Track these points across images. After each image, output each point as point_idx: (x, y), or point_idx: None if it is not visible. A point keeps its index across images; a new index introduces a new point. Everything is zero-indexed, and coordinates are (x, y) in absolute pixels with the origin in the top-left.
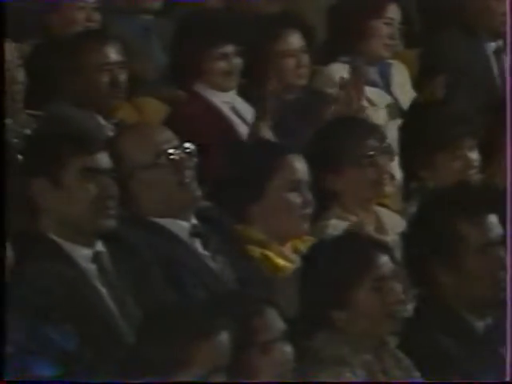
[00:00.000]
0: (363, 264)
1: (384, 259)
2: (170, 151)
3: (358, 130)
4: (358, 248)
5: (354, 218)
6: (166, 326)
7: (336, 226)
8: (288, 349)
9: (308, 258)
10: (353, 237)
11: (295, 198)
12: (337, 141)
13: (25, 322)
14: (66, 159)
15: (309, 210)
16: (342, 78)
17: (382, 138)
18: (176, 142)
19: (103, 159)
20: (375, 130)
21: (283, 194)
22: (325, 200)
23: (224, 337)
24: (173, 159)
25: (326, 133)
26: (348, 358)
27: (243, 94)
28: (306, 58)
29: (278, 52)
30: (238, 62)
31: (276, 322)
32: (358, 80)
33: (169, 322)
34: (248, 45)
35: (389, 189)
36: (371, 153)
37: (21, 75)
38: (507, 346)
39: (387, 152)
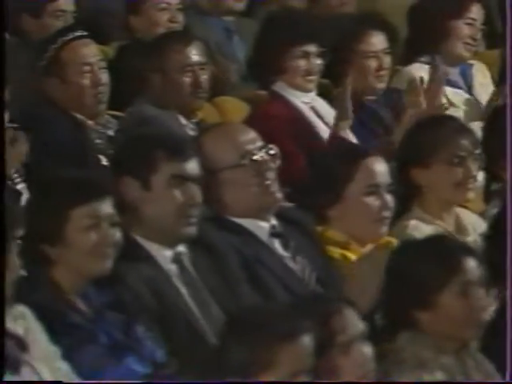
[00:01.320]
0: (451, 267)
1: (472, 263)
2: (254, 152)
3: (453, 128)
4: (446, 250)
5: (434, 220)
6: (249, 327)
7: (416, 226)
8: (368, 349)
9: (392, 259)
10: (440, 239)
11: (373, 201)
12: (431, 136)
13: (121, 318)
14: (159, 164)
15: (387, 214)
16: (422, 78)
17: (475, 143)
18: (260, 143)
19: (193, 166)
20: (470, 134)
21: (361, 198)
22: (406, 200)
23: (307, 339)
24: (256, 160)
25: (420, 128)
26: (428, 359)
27: (323, 94)
28: (387, 60)
29: (360, 52)
30: (318, 62)
31: (355, 322)
32: (437, 80)
33: (252, 323)
34: (329, 45)
35: (471, 195)
36: (463, 154)
37: (104, 77)
38: (507, 346)
39: (478, 159)
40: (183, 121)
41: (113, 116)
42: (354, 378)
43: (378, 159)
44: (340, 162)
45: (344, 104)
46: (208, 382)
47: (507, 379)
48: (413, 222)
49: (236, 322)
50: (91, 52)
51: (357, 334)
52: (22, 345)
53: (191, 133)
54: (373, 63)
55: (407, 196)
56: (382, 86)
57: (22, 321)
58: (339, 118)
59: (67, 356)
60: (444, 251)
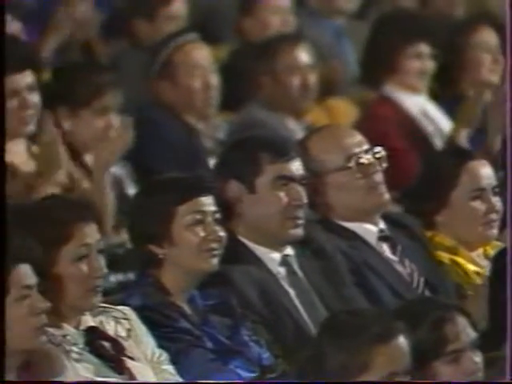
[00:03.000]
0: None
1: None
2: (360, 155)
3: None
4: None
5: None
6: (346, 330)
7: None
8: (477, 358)
9: (497, 264)
10: None
11: (479, 205)
12: None
13: (227, 322)
14: (264, 166)
15: (495, 216)
16: None
17: None
18: (366, 146)
19: (297, 167)
20: None
21: (467, 203)
22: None
23: (402, 340)
24: (363, 163)
25: None
26: None
27: (434, 97)
28: (500, 57)
29: (473, 46)
30: (431, 63)
31: (467, 330)
32: None
33: (348, 326)
34: (442, 44)
35: None
36: None
37: (215, 79)
38: (507, 345)
39: None
40: (292, 123)
41: (223, 119)
42: None
43: (483, 162)
44: (445, 166)
45: (471, 113)
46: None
47: (507, 379)
48: None
49: (333, 324)
50: (202, 55)
51: (468, 343)
52: (118, 346)
53: (300, 135)
54: (486, 58)
55: None
56: (495, 80)
57: (126, 323)
58: (461, 125)
59: (174, 360)
60: None
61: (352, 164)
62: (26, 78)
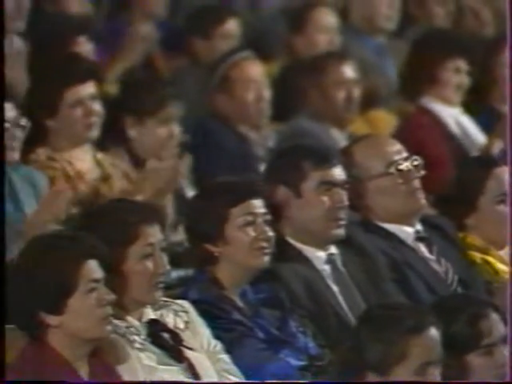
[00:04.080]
0: None
1: None
2: (400, 162)
3: None
4: None
5: None
6: (382, 323)
7: None
8: (506, 352)
9: None
10: None
11: (504, 208)
12: None
13: (276, 314)
14: (308, 173)
15: None
16: None
17: None
18: (405, 154)
19: (338, 173)
20: None
21: (494, 207)
22: None
23: (434, 332)
24: (402, 169)
25: None
26: None
27: (467, 110)
28: None
29: (503, 64)
30: (466, 78)
31: (499, 325)
32: None
33: (384, 319)
34: (476, 61)
35: None
36: None
37: (267, 93)
38: (507, 345)
39: None
40: (336, 133)
41: (273, 129)
42: (490, 379)
43: (506, 169)
44: (473, 173)
45: (500, 121)
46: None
47: (507, 379)
48: None
49: (370, 317)
50: (256, 70)
51: (500, 337)
52: (177, 338)
53: (344, 144)
54: None
55: None
56: None
57: (184, 315)
58: (496, 137)
59: (229, 350)
60: None
61: (393, 170)
62: (89, 88)
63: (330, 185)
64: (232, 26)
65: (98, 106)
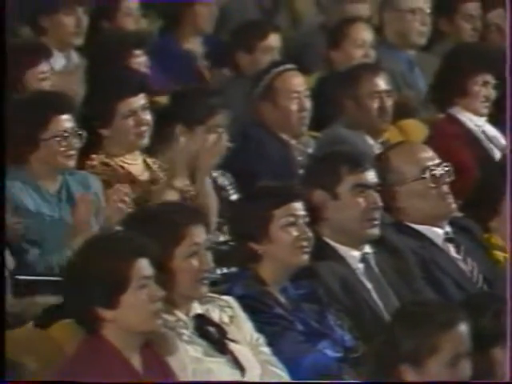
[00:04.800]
0: None
1: None
2: (433, 168)
3: None
4: None
5: None
6: (416, 318)
7: None
8: None
9: None
10: None
11: None
12: None
13: (315, 309)
14: (344, 176)
15: None
16: None
17: None
18: (437, 160)
19: (372, 176)
20: None
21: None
22: None
23: (464, 327)
24: (435, 174)
25: None
26: None
27: (492, 121)
28: None
29: None
30: (493, 92)
31: None
32: None
33: (418, 314)
34: (501, 75)
35: None
36: None
37: (308, 103)
38: (507, 345)
39: None
40: (371, 141)
41: (312, 136)
42: None
43: None
44: (495, 179)
45: None
46: None
47: (507, 379)
48: None
49: (404, 313)
50: (299, 82)
51: None
52: (222, 331)
53: (377, 151)
54: None
55: None
56: None
57: (229, 310)
58: None
59: (271, 342)
60: None
61: (426, 175)
62: (140, 100)
63: (363, 187)
64: (273, 40)
65: (148, 116)
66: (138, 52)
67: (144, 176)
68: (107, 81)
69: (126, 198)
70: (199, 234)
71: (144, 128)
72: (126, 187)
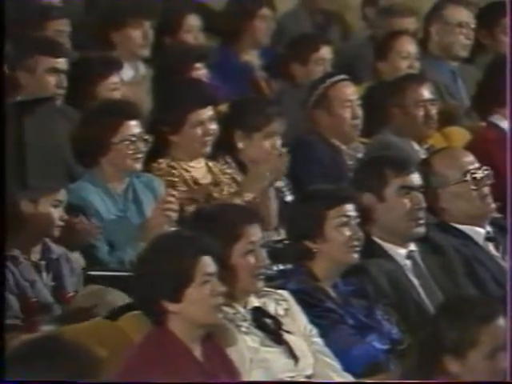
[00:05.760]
0: None
1: None
2: (474, 171)
3: None
4: None
5: None
6: (458, 312)
7: None
8: None
9: None
10: None
11: None
12: None
13: (364, 304)
14: (390, 179)
15: None
16: None
17: None
18: (477, 164)
19: (416, 178)
20: None
21: None
22: None
23: (502, 321)
24: (475, 178)
25: None
26: None
27: None
28: None
29: None
30: None
31: None
32: None
33: (460, 309)
34: None
35: None
36: None
37: (360, 111)
38: (507, 345)
39: None
40: (416, 146)
41: (361, 142)
42: None
43: None
44: None
45: None
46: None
47: (507, 379)
48: None
49: (447, 307)
50: (351, 91)
51: None
52: (278, 323)
53: (423, 156)
54: None
55: None
56: None
57: (284, 303)
58: None
59: (323, 334)
60: None
61: (468, 178)
62: (209, 111)
63: (409, 189)
64: (325, 52)
65: (214, 126)
66: (198, 65)
67: (206, 179)
68: (180, 91)
69: (174, 206)
70: (255, 233)
71: (209, 137)
72: (175, 193)
